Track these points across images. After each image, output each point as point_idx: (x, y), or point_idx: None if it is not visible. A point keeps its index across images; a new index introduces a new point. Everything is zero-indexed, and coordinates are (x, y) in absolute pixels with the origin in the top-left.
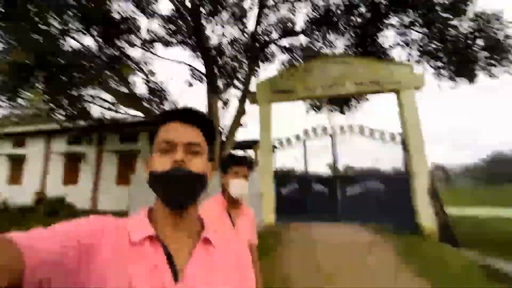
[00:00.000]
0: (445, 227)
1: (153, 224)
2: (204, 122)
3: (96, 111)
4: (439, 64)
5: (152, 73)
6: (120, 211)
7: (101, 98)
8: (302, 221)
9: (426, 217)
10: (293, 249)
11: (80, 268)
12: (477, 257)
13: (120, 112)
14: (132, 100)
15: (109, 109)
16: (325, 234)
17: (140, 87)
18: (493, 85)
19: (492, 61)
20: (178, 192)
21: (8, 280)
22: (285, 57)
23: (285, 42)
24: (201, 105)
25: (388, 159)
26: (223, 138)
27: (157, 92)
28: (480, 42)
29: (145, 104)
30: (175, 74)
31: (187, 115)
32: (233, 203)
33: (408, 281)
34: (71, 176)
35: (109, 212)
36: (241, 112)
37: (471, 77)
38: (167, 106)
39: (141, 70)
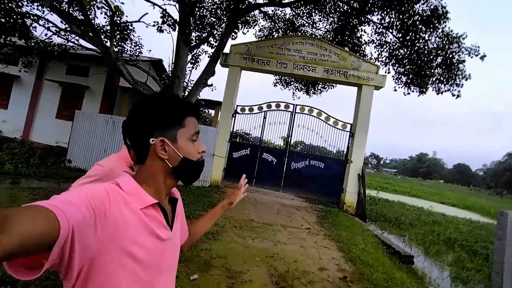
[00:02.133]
0: (361, 204)
1: (145, 189)
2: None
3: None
4: (401, 70)
5: (120, 11)
6: (56, 146)
7: (47, 20)
8: (247, 185)
9: (350, 195)
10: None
11: (96, 225)
12: (376, 229)
13: (72, 42)
14: (87, 30)
15: (58, 34)
16: (263, 196)
17: (100, 18)
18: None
19: (442, 79)
20: (198, 176)
21: (49, 244)
22: (265, 24)
23: (269, 9)
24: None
25: (335, 142)
26: (185, 94)
27: (120, 28)
28: (439, 59)
29: (103, 38)
30: (144, 16)
31: (199, 112)
32: None
33: (319, 239)
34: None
35: (44, 145)
36: (209, 71)
37: (423, 88)
38: (128, 46)
39: (106, 3)
